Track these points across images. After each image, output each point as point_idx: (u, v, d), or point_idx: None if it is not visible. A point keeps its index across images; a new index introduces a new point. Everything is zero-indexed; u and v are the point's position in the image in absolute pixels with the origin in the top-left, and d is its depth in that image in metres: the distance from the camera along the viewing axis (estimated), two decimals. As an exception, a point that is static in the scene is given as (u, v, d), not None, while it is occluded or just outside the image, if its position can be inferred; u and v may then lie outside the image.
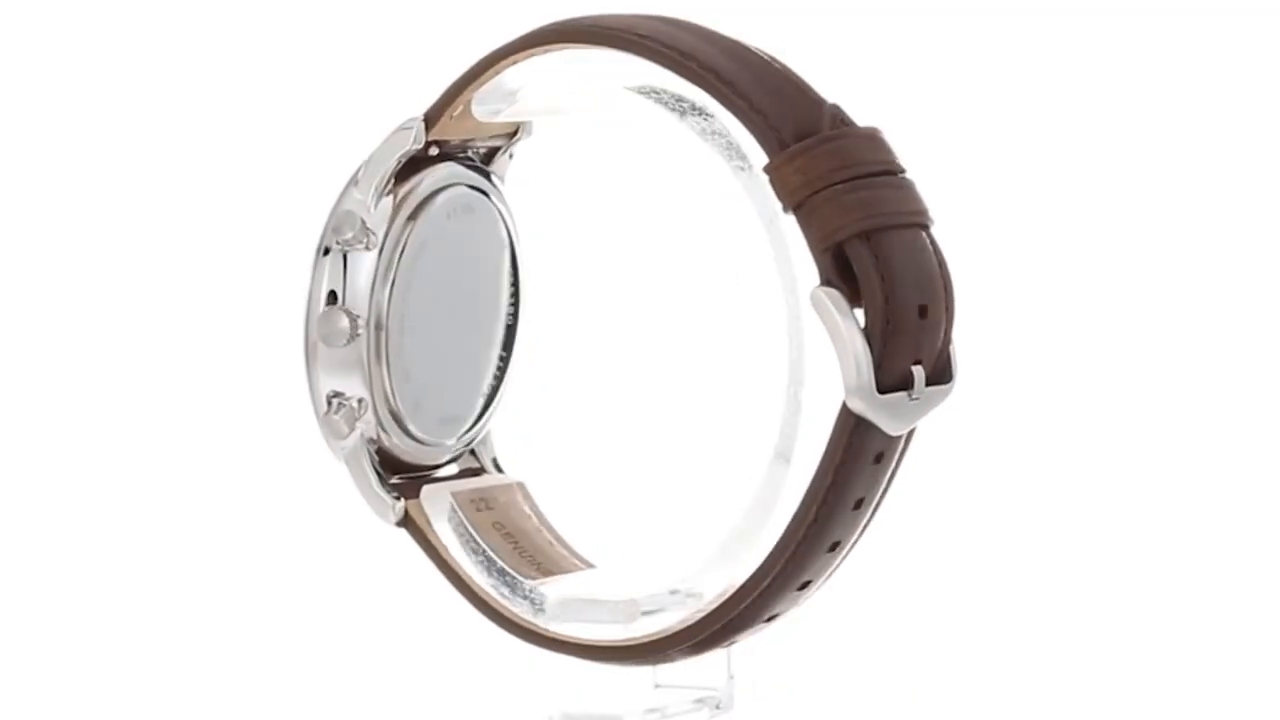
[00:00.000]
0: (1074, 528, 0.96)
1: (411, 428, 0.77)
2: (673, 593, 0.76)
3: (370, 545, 0.84)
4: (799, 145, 0.70)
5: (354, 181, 0.76)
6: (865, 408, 0.70)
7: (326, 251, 0.76)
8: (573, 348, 0.81)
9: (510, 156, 0.80)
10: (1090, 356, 1.02)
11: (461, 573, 0.78)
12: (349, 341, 0.75)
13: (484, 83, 0.75)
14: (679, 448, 0.82)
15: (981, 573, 0.93)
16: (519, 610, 0.77)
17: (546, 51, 0.74)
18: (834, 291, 0.69)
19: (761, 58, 0.73)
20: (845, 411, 0.70)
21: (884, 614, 0.89)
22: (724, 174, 0.74)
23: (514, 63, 0.74)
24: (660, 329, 0.81)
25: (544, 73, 0.75)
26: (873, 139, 0.71)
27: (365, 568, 0.90)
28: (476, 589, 0.78)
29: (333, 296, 0.76)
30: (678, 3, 0.76)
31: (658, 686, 0.78)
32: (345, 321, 0.75)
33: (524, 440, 0.79)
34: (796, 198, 0.70)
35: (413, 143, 0.76)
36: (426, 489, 0.78)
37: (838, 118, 0.71)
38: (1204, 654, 0.86)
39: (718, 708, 0.77)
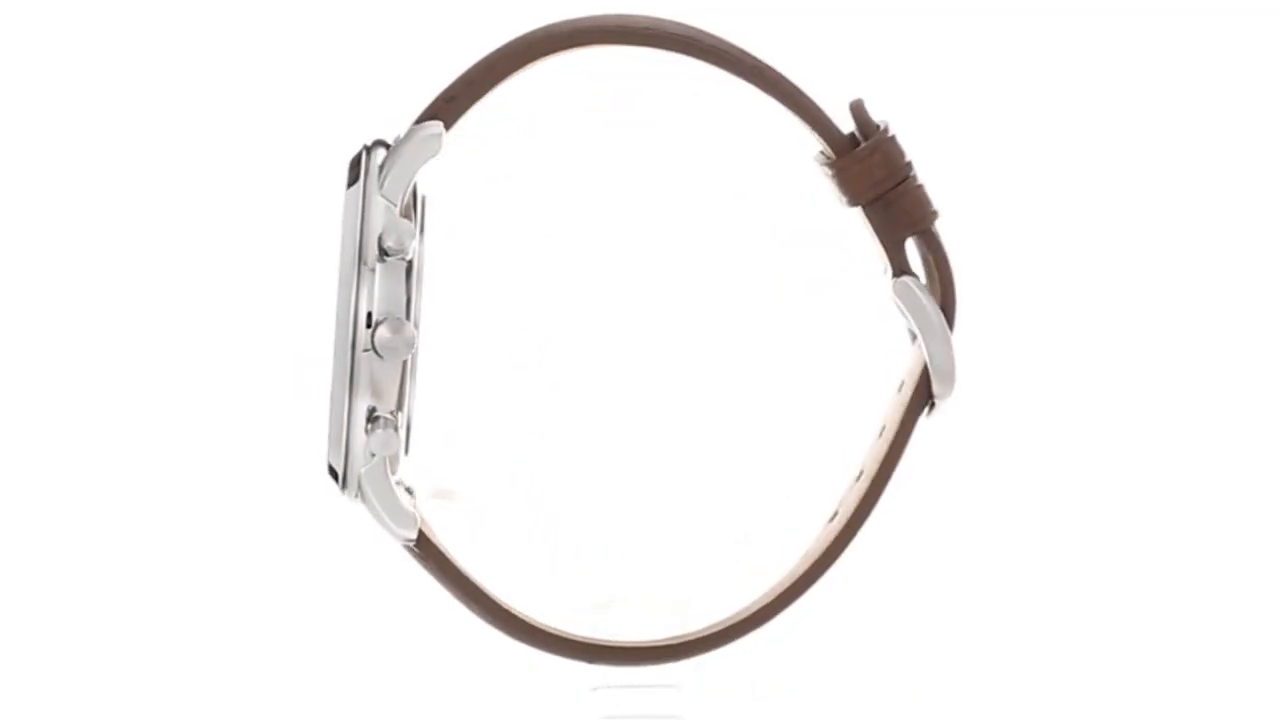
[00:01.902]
0: (1073, 527, 0.96)
1: (410, 440, 0.76)
2: (715, 586, 0.77)
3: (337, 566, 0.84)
4: (871, 142, 0.74)
5: (378, 189, 0.71)
6: (945, 390, 0.75)
7: (362, 263, 0.71)
8: (585, 346, 0.80)
9: None
10: (1080, 352, 1.02)
11: (478, 584, 0.75)
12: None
13: (503, 83, 0.73)
14: (696, 443, 0.81)
15: (982, 573, 0.92)
16: (545, 618, 0.76)
17: (569, 52, 0.73)
18: (915, 279, 0.74)
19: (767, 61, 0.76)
20: (925, 394, 0.75)
21: (884, 614, 0.89)
22: (762, 174, 0.78)
23: (537, 64, 0.73)
24: (679, 328, 0.81)
25: (575, 73, 0.75)
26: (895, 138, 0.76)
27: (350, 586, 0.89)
28: (496, 599, 0.75)
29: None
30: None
31: (595, 689, 0.78)
32: (414, 333, 0.71)
33: (537, 440, 0.79)
34: (875, 191, 0.74)
35: (438, 150, 0.72)
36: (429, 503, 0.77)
37: (870, 116, 0.76)
38: (1204, 654, 0.86)
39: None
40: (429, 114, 0.72)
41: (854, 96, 0.77)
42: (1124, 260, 1.03)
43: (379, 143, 0.73)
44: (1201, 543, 0.95)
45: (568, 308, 0.78)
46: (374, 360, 0.70)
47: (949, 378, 0.75)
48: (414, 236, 0.70)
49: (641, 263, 0.79)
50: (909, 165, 0.75)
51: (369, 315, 0.70)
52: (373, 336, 0.70)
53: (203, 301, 1.01)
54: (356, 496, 0.72)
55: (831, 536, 0.78)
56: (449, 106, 0.72)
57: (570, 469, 0.78)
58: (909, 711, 0.82)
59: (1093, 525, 0.96)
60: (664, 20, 0.75)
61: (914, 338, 0.78)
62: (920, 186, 0.75)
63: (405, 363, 0.71)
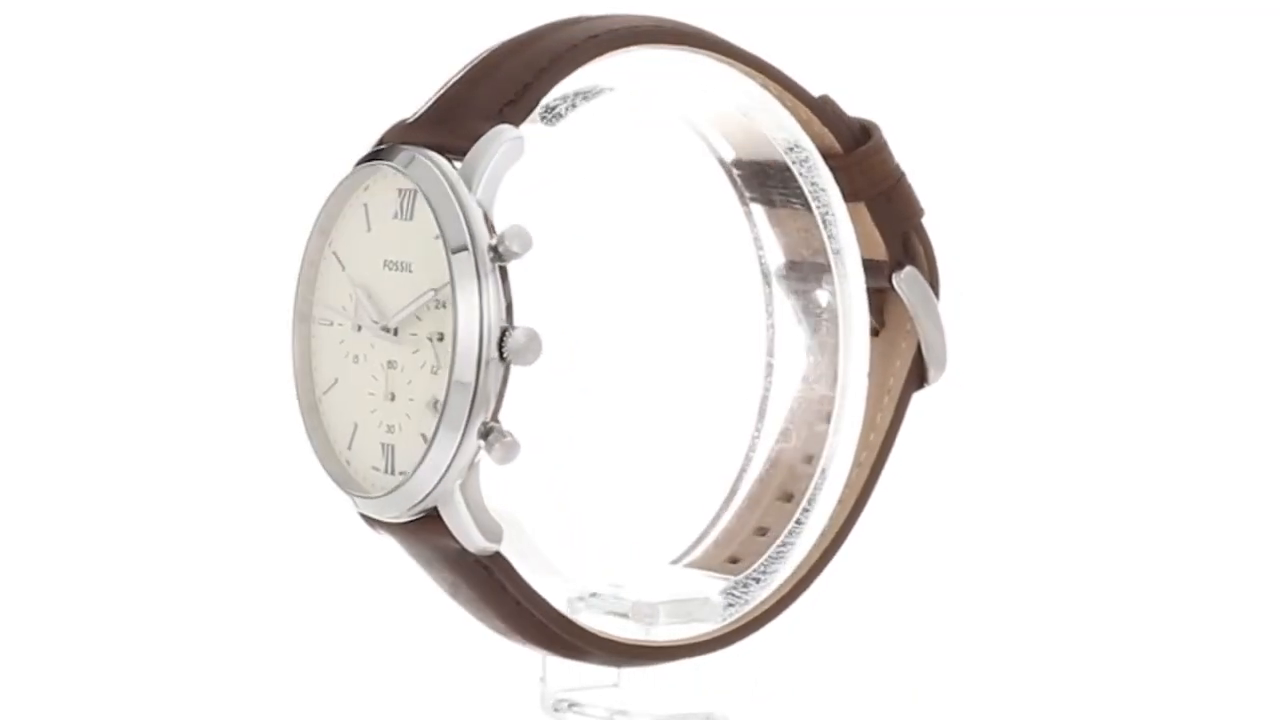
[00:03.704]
0: (1074, 526, 0.97)
1: None
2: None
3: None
4: (875, 141, 0.78)
5: (470, 193, 0.69)
6: (938, 374, 0.79)
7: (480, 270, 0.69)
8: (615, 349, 0.80)
9: None
10: (1070, 352, 1.03)
11: (541, 594, 0.73)
12: None
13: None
14: (722, 444, 0.81)
15: (981, 573, 0.93)
16: (615, 630, 0.75)
17: (610, 55, 0.73)
18: (915, 270, 0.79)
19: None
20: (918, 379, 0.79)
21: (884, 614, 0.89)
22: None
23: (594, 62, 0.73)
24: (702, 330, 0.81)
25: (611, 76, 0.74)
26: None
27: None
28: (558, 609, 0.74)
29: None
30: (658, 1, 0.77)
31: (552, 700, 0.78)
32: (538, 335, 0.69)
33: (568, 443, 0.78)
34: (878, 188, 0.78)
35: (522, 153, 0.70)
36: None
37: (844, 111, 0.79)
38: (1204, 654, 0.87)
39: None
40: (495, 118, 0.70)
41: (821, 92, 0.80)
42: (1096, 255, 1.04)
43: (403, 145, 0.71)
44: (1200, 543, 0.96)
45: (599, 311, 0.78)
46: (496, 368, 0.69)
47: (942, 362, 0.79)
48: (531, 243, 0.69)
49: (668, 267, 0.79)
50: (899, 164, 0.79)
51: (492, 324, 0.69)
52: (500, 344, 0.69)
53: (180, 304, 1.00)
54: (423, 513, 0.70)
55: (833, 530, 0.79)
56: (511, 109, 0.71)
57: (600, 471, 0.78)
58: (909, 711, 0.82)
59: (1092, 521, 0.97)
60: (680, 21, 0.76)
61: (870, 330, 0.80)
62: (910, 185, 0.80)
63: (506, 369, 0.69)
